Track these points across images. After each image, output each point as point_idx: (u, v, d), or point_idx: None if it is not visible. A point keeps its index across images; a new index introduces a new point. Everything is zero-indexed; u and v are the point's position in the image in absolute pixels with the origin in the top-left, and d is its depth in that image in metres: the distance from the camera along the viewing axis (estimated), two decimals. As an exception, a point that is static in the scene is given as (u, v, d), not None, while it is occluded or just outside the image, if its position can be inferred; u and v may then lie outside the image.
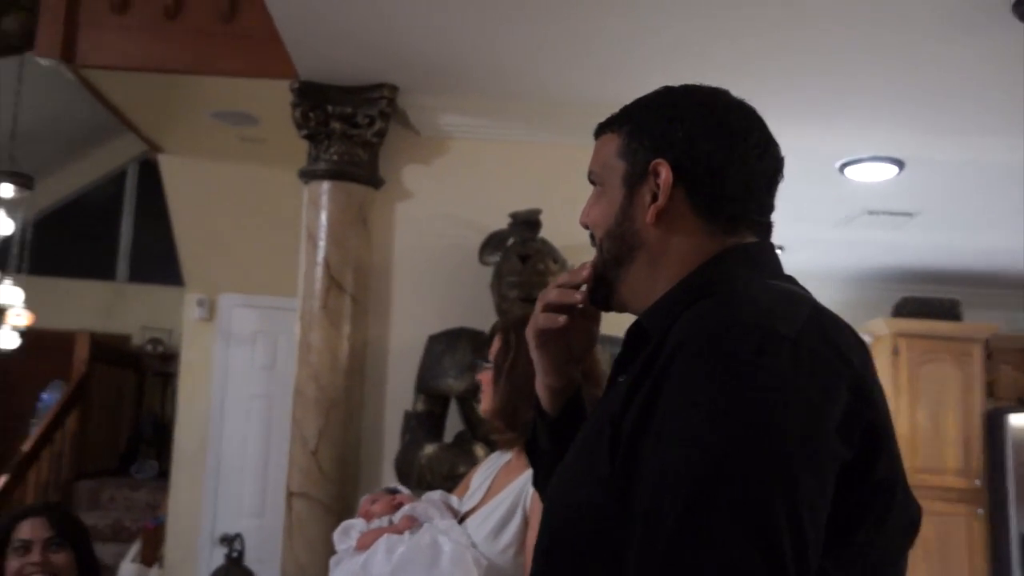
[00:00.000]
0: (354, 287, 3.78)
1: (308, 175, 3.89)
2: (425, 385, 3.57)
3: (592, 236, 1.23)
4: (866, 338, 4.20)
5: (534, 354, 1.29)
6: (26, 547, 2.38)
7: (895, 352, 6.19)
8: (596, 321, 1.30)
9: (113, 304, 7.89)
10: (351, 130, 3.83)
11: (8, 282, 5.58)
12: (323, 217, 3.81)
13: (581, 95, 3.74)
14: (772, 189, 1.19)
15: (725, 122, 1.17)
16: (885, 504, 0.99)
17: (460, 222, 3.89)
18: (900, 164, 4.35)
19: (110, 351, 7.15)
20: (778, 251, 1.20)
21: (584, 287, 1.24)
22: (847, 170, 4.44)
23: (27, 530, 2.40)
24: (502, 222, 3.61)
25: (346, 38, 3.46)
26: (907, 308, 6.37)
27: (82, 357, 6.62)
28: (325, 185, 3.84)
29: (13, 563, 2.35)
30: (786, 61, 3.42)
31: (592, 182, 1.25)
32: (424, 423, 3.54)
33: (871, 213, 5.21)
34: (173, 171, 5.40)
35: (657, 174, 1.15)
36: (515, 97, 3.84)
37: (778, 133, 1.20)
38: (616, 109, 1.25)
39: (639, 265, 1.18)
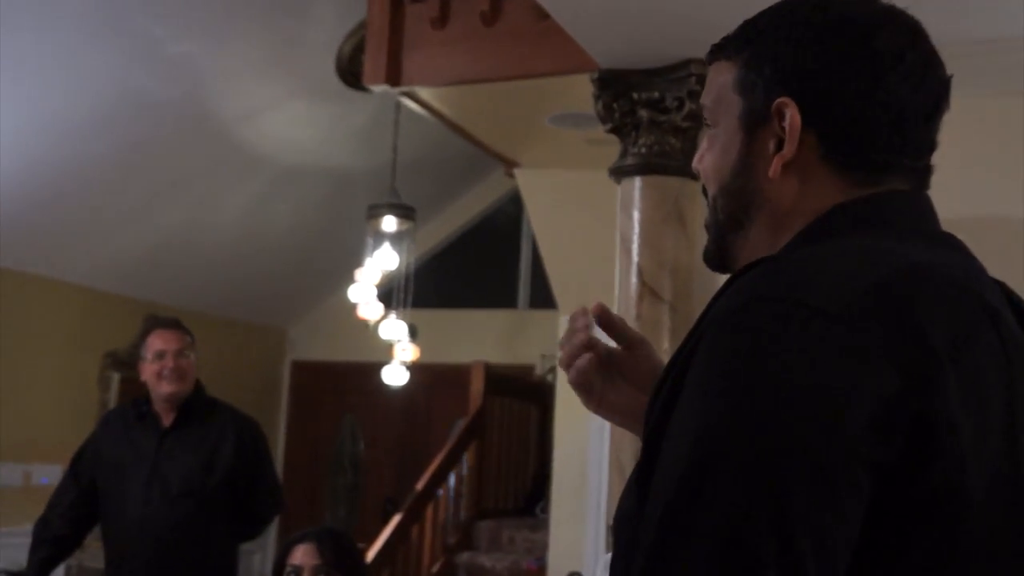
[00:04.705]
0: (672, 294, 3.68)
1: (617, 172, 3.89)
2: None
3: (704, 188, 1.15)
4: None
5: (600, 414, 1.26)
6: (296, 573, 2.69)
7: None
8: (639, 344, 1.25)
9: (514, 333, 8.34)
10: (659, 116, 3.78)
11: (392, 316, 6.11)
12: (635, 217, 3.78)
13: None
14: (932, 123, 1.05)
15: (870, 43, 1.03)
16: (950, 518, 0.86)
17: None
18: None
19: (507, 383, 7.55)
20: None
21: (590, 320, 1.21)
22: None
23: (298, 556, 2.71)
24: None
25: (639, 16, 3.45)
26: None
27: (477, 390, 7.07)
28: (636, 181, 3.82)
29: None
30: None
31: (705, 121, 1.15)
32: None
33: None
34: (530, 185, 5.70)
35: (781, 115, 1.03)
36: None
37: None
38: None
39: (760, 227, 1.09)
